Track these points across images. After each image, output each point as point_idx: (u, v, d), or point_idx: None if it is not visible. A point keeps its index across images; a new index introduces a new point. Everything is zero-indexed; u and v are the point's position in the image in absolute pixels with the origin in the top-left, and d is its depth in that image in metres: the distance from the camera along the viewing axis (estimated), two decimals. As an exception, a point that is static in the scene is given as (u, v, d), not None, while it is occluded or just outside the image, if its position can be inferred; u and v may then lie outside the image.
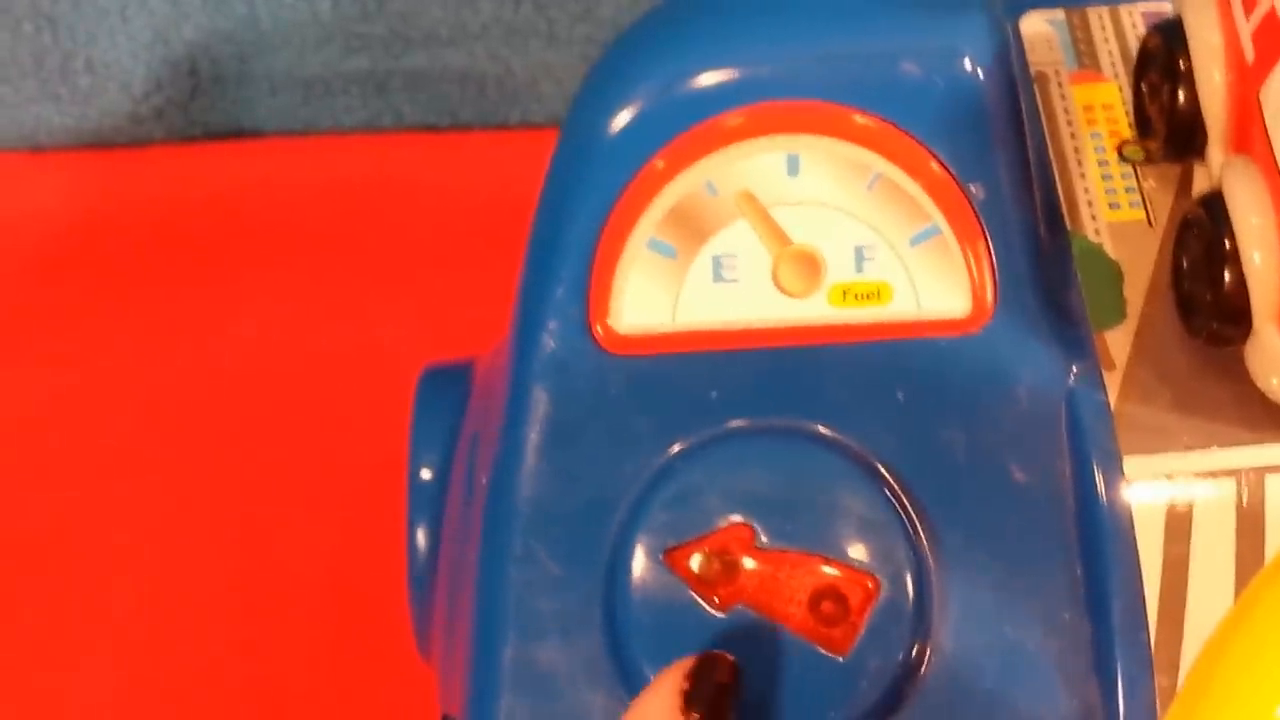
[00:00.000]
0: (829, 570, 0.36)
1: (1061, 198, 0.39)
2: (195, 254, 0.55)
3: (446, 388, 0.42)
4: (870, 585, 0.35)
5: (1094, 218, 0.39)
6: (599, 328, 0.38)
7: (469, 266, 0.53)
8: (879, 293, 0.37)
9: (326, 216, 0.55)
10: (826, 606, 0.35)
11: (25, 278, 0.55)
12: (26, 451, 0.52)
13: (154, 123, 0.58)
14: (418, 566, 0.41)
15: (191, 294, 0.54)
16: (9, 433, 0.52)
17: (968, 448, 0.37)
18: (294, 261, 0.54)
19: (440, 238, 0.55)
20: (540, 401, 0.38)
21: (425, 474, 0.41)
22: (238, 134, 0.58)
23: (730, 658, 0.34)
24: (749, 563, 0.36)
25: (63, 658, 0.49)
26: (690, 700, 0.33)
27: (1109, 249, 0.39)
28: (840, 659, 0.35)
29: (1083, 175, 0.39)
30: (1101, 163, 0.40)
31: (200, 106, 0.58)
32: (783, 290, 0.38)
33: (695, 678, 0.33)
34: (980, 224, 0.37)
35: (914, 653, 0.36)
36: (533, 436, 0.37)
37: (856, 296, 0.37)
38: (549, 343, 0.38)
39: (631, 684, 0.36)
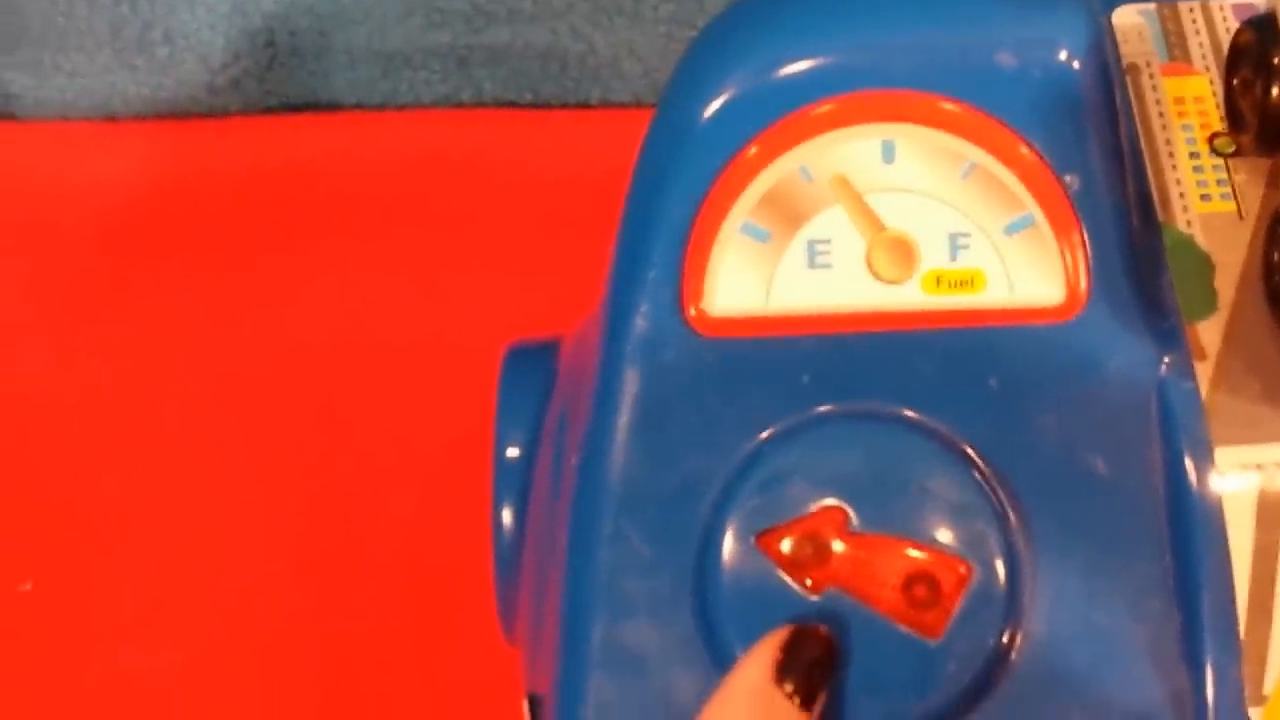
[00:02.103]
0: (922, 554, 0.37)
1: (1153, 189, 0.40)
2: (270, 227, 0.57)
3: (532, 366, 0.44)
4: (963, 570, 0.37)
5: (1185, 209, 0.41)
6: (691, 310, 0.39)
7: (546, 244, 0.55)
8: (973, 280, 0.39)
9: (403, 191, 0.57)
10: (919, 590, 0.37)
11: (99, 248, 0.56)
12: (97, 423, 0.54)
13: (230, 94, 0.59)
14: (504, 546, 0.43)
15: (266, 267, 0.56)
16: (80, 403, 0.54)
17: (1059, 435, 0.38)
18: (370, 236, 0.56)
19: (518, 215, 0.56)
20: (631, 383, 0.39)
21: (512, 453, 0.43)
22: (315, 106, 0.59)
23: (826, 632, 0.36)
24: (841, 546, 0.37)
25: (133, 630, 0.51)
26: (784, 670, 0.35)
27: (1200, 241, 0.40)
28: (932, 643, 0.37)
29: (1174, 167, 0.41)
30: (1193, 155, 0.41)
31: (277, 78, 0.59)
32: (877, 276, 0.39)
33: (789, 649, 0.35)
34: (1075, 213, 0.39)
35: (1005, 638, 0.37)
36: (624, 417, 0.39)
37: (950, 284, 0.39)
38: (641, 324, 0.39)
39: (722, 664, 0.37)
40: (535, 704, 0.40)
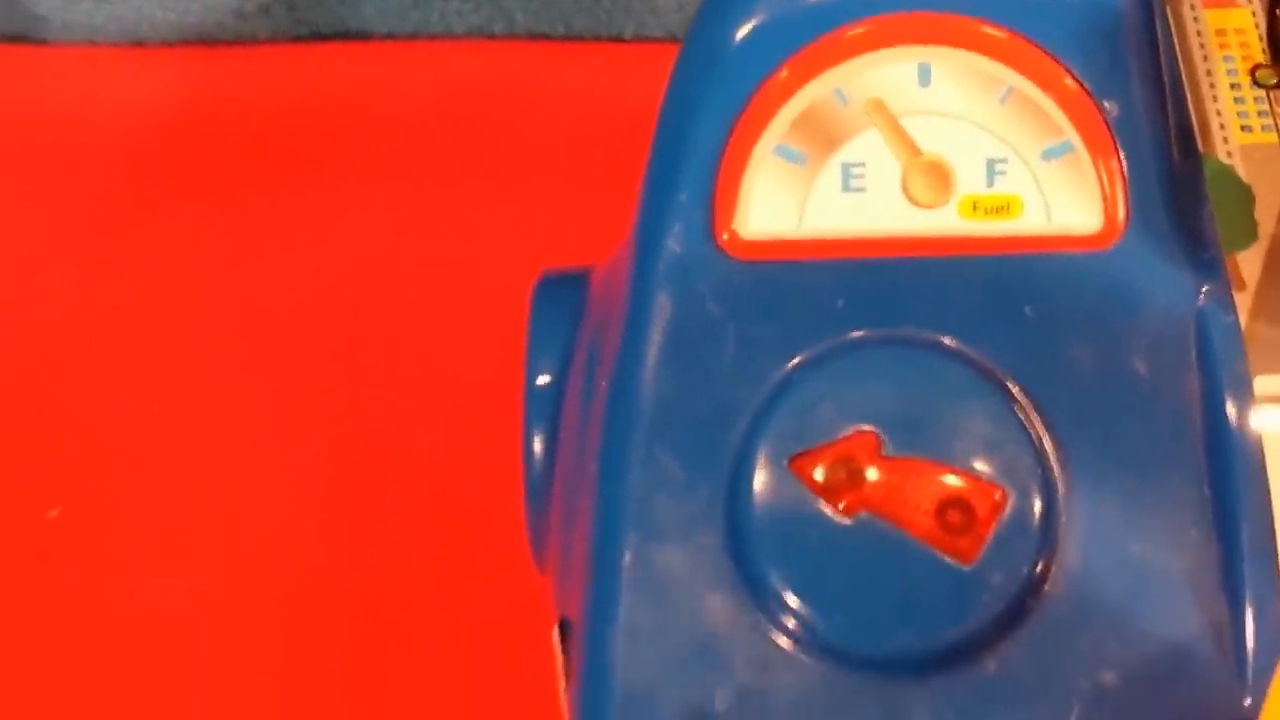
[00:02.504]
0: (956, 480, 0.37)
1: (1193, 120, 0.40)
2: (297, 156, 0.56)
3: (563, 295, 0.44)
4: (997, 496, 0.37)
5: (1225, 140, 0.41)
6: (724, 234, 0.39)
7: (577, 177, 0.55)
8: (1009, 206, 0.39)
9: (433, 122, 0.57)
10: (953, 516, 0.37)
11: (125, 173, 0.56)
12: (123, 349, 0.54)
13: (259, 21, 0.59)
14: (534, 473, 0.43)
15: (293, 196, 0.55)
16: (105, 330, 0.54)
17: (1096, 364, 0.38)
18: (398, 167, 0.56)
19: (549, 147, 0.56)
20: (663, 306, 0.39)
21: (542, 380, 0.43)
22: (344, 36, 0.59)
23: None
24: (874, 471, 0.38)
25: (159, 556, 0.51)
26: None
27: (1240, 171, 0.40)
28: (966, 568, 0.37)
29: (1214, 98, 0.41)
30: (1234, 85, 0.41)
31: (307, 6, 0.59)
32: (912, 201, 0.39)
33: None
34: (1114, 140, 0.39)
35: (1039, 566, 0.37)
36: (655, 340, 0.39)
37: (987, 210, 0.39)
38: (673, 248, 0.40)
39: (754, 588, 0.38)
40: (565, 628, 0.41)
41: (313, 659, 0.50)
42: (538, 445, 0.43)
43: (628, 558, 0.38)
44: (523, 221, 0.54)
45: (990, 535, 0.37)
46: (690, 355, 0.39)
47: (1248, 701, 0.37)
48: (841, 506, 0.37)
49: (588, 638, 0.39)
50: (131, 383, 0.53)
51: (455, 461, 0.51)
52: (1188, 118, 0.40)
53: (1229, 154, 0.40)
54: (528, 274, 0.44)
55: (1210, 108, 0.41)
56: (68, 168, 0.56)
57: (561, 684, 0.41)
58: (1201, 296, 0.38)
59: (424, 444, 0.52)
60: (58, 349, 0.53)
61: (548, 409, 0.43)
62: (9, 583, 0.51)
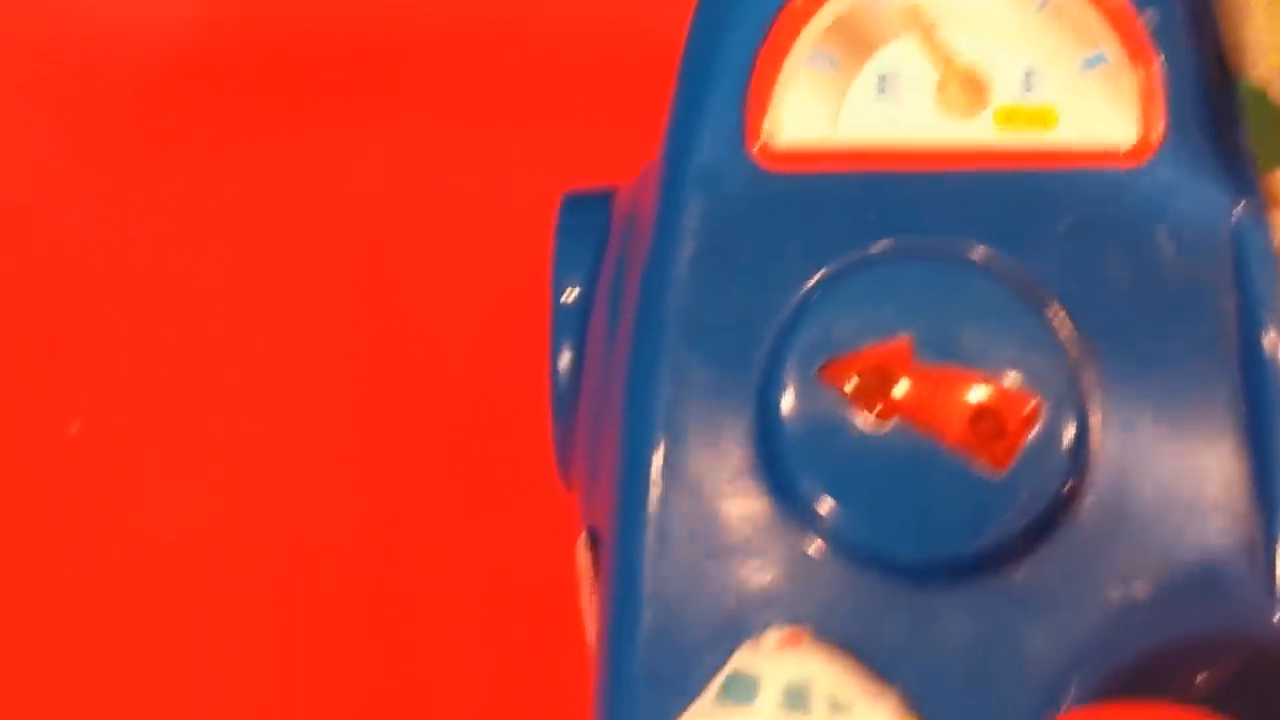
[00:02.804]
0: (989, 389, 0.37)
1: (1229, 40, 0.40)
2: (320, 77, 0.56)
3: (589, 212, 0.44)
4: (1031, 406, 0.37)
5: (1261, 62, 0.40)
6: (756, 144, 0.39)
7: (602, 97, 0.54)
8: (1045, 117, 0.39)
9: (455, 38, 0.56)
10: (987, 424, 0.37)
11: (145, 95, 0.56)
12: (145, 268, 0.54)
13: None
14: (561, 388, 0.43)
15: (316, 118, 0.55)
16: (128, 248, 0.54)
17: (1130, 279, 0.38)
18: (421, 89, 0.55)
19: (573, 65, 0.56)
20: (694, 215, 0.39)
21: (569, 296, 0.43)
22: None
23: None
24: (907, 378, 0.38)
25: (179, 473, 0.51)
26: None
27: (1275, 94, 0.40)
28: (998, 477, 0.37)
29: (1249, 19, 0.41)
30: (1271, 4, 0.41)
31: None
32: (947, 110, 0.39)
33: None
34: (1153, 53, 0.39)
35: (1071, 477, 0.37)
36: (686, 249, 0.39)
37: (1022, 120, 0.39)
38: (704, 158, 0.40)
39: (784, 494, 0.38)
40: (594, 538, 0.41)
41: (332, 575, 0.50)
42: (564, 360, 0.43)
43: (658, 465, 0.39)
44: (546, 144, 0.54)
45: (1023, 444, 0.37)
46: (721, 264, 0.39)
47: (1278, 618, 0.37)
48: (873, 413, 0.38)
49: (618, 545, 0.39)
50: (152, 302, 0.53)
51: (479, 383, 0.52)
52: (1224, 38, 0.40)
53: (1264, 76, 0.40)
54: (550, 196, 0.44)
55: (1245, 28, 0.41)
56: (87, 91, 0.56)
57: (585, 595, 0.41)
58: (1236, 213, 0.38)
59: (447, 364, 0.52)
60: (79, 268, 0.54)
61: (574, 325, 0.43)
62: (30, 496, 0.51)
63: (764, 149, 0.39)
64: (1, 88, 0.56)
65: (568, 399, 0.43)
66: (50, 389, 0.52)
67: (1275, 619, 0.37)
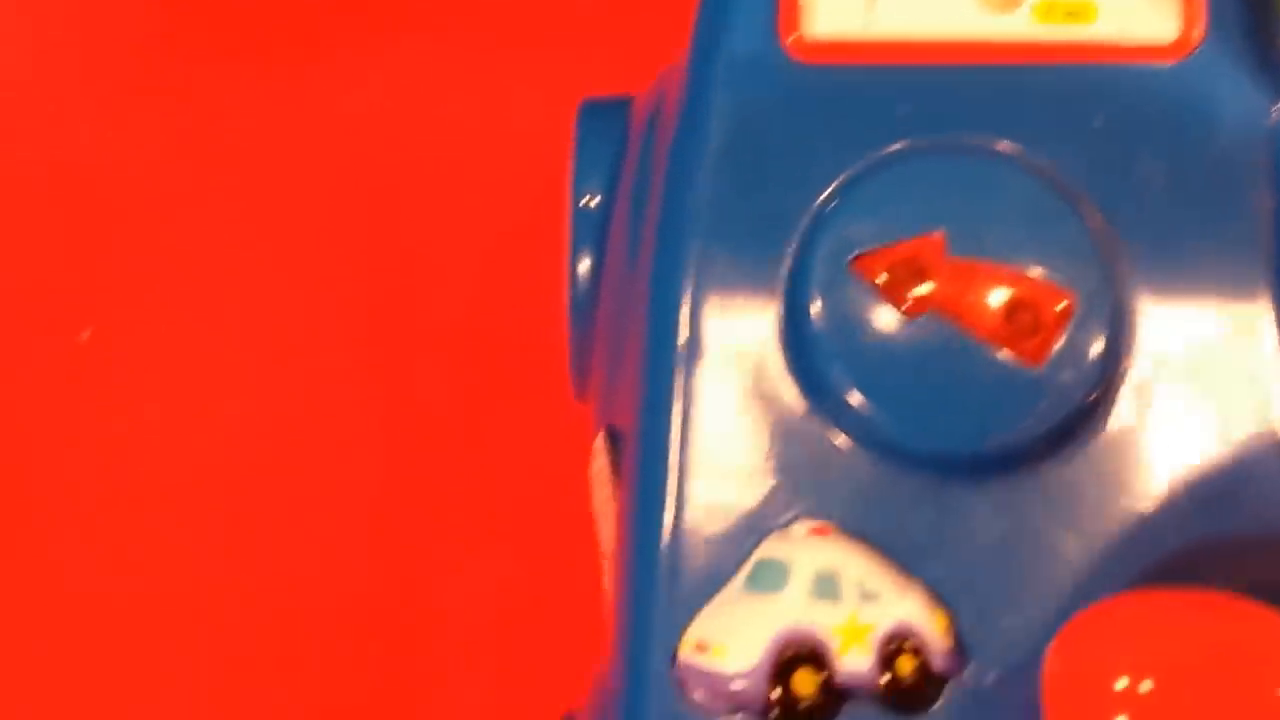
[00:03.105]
0: (1024, 283, 0.37)
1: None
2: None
3: (608, 118, 0.44)
4: (1066, 302, 0.37)
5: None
6: (788, 35, 0.39)
7: (614, 6, 0.54)
8: (1083, 11, 0.39)
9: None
10: (1021, 317, 0.37)
11: (148, 17, 0.55)
12: (152, 181, 0.53)
13: None
14: (579, 293, 0.43)
15: (329, 35, 0.54)
16: (133, 168, 0.53)
17: (1166, 177, 0.38)
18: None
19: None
20: (723, 108, 0.39)
21: (588, 201, 0.43)
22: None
23: None
24: (940, 272, 0.37)
25: (189, 380, 0.51)
26: None
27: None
28: (1033, 371, 0.37)
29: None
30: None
31: None
32: (984, 2, 0.39)
33: None
34: (1193, -50, 0.39)
35: (1105, 374, 0.37)
36: (714, 142, 0.39)
37: (1060, 14, 0.39)
38: (734, 50, 0.39)
39: (813, 387, 0.37)
40: (614, 436, 0.40)
41: (344, 485, 0.50)
42: (583, 266, 0.43)
43: (684, 359, 0.38)
44: (559, 54, 0.53)
45: (1058, 340, 0.37)
46: (750, 158, 0.39)
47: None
48: (905, 306, 0.37)
49: (642, 441, 0.38)
50: (163, 214, 0.53)
51: (491, 297, 0.51)
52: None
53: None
54: (566, 107, 0.44)
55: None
56: (99, 7, 0.55)
57: (600, 500, 0.41)
58: (1275, 112, 0.38)
59: (459, 280, 0.51)
60: (92, 178, 0.53)
61: (593, 230, 0.43)
62: (39, 402, 0.51)
63: (797, 40, 0.39)
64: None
65: (586, 305, 0.43)
66: (62, 294, 0.52)
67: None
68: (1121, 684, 0.32)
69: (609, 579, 0.40)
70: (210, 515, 0.49)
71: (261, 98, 0.54)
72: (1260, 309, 0.38)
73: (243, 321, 0.51)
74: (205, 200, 0.52)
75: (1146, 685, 0.32)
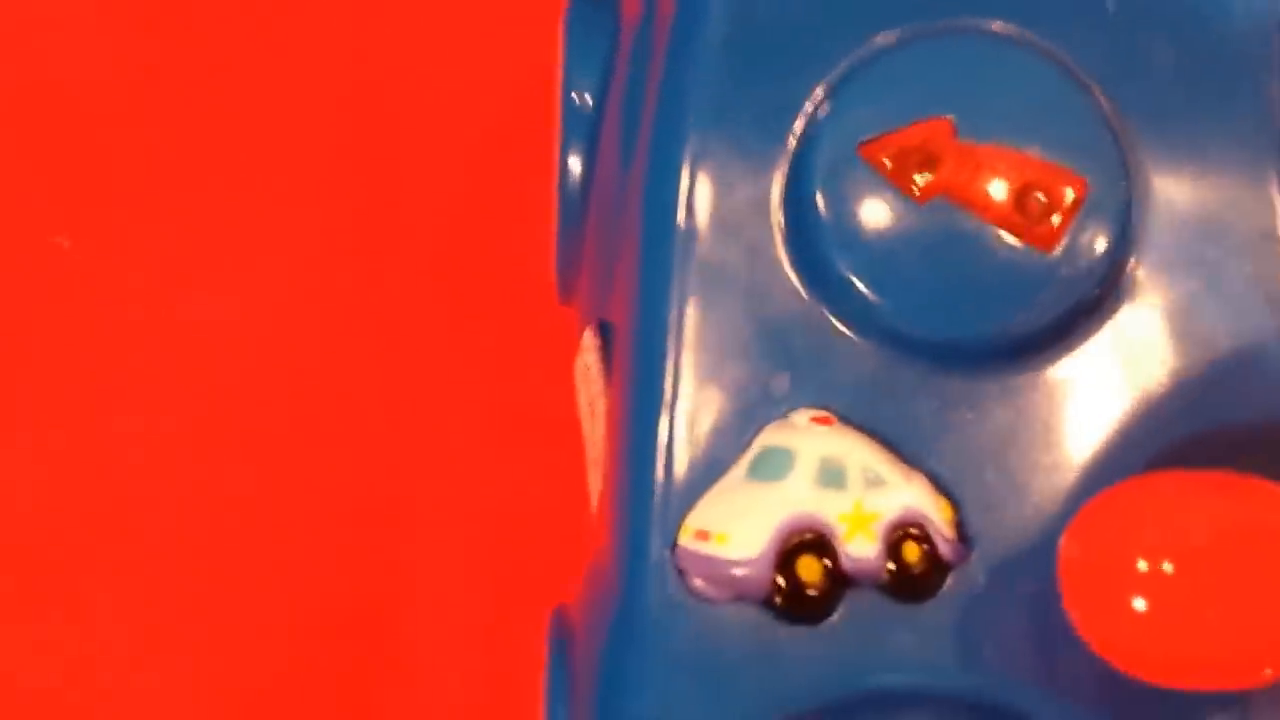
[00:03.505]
0: (1036, 168, 0.37)
1: None
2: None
3: (597, 12, 0.43)
4: (1077, 186, 0.36)
5: None
6: (793, -82, 0.38)
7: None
8: (1100, -106, 0.38)
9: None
10: (1032, 202, 0.36)
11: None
12: (131, 89, 0.52)
13: None
14: (570, 192, 0.42)
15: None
16: (115, 70, 0.52)
17: (1177, 64, 0.38)
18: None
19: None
20: None
21: (580, 97, 0.42)
22: None
23: None
24: (950, 156, 0.37)
25: (167, 290, 0.50)
26: None
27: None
28: (1046, 255, 0.36)
29: None
30: None
31: None
32: (999, -117, 0.38)
33: None
34: None
35: (1117, 261, 0.37)
36: (713, 26, 0.38)
37: (1076, -103, 0.38)
38: None
39: (817, 276, 0.37)
40: (605, 330, 0.40)
41: (331, 390, 0.49)
42: (575, 163, 0.42)
43: (681, 249, 0.37)
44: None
45: (1071, 225, 0.36)
46: (751, 44, 0.38)
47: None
48: (913, 191, 0.37)
49: (637, 331, 0.38)
50: (142, 123, 0.52)
51: (475, 197, 0.51)
52: None
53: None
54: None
55: None
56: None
57: (590, 391, 0.40)
58: (1290, 1, 0.38)
59: (445, 177, 0.51)
60: (71, 84, 0.52)
61: (584, 128, 0.42)
62: (18, 308, 0.50)
63: (801, -77, 0.38)
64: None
65: (575, 200, 0.42)
66: (41, 199, 0.51)
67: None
68: (1141, 565, 0.32)
69: (599, 476, 0.39)
70: (188, 416, 0.49)
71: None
72: (1270, 199, 0.37)
73: (225, 225, 0.51)
74: (185, 110, 0.52)
75: (1167, 565, 0.31)
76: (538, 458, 0.48)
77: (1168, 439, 0.36)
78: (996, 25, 0.38)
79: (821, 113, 0.37)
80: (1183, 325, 0.37)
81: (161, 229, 0.50)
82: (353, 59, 0.52)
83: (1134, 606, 0.31)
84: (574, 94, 0.42)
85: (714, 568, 0.35)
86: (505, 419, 0.49)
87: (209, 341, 0.50)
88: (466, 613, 0.47)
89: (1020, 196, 0.36)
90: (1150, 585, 0.31)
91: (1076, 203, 0.36)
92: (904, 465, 0.36)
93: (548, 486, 0.47)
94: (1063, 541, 0.33)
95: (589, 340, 0.40)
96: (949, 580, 0.36)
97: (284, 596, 0.48)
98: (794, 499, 0.35)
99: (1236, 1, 0.38)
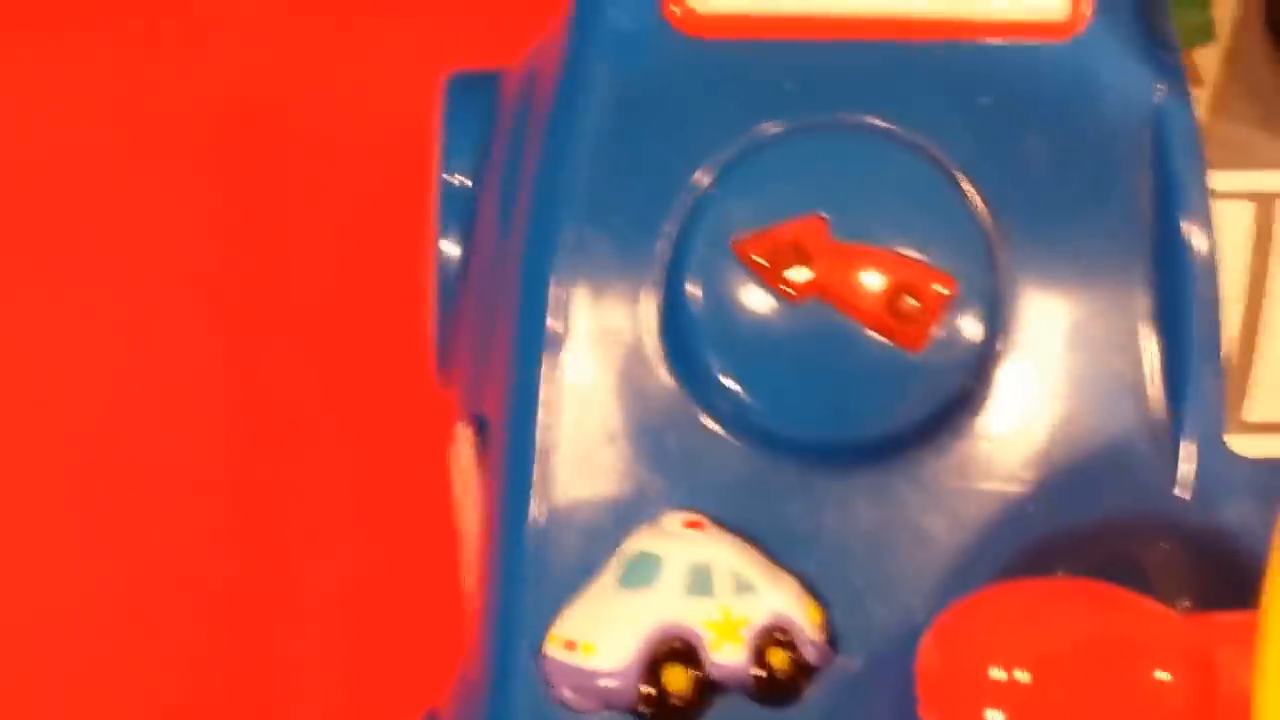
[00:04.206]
0: (905, 267, 0.37)
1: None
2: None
3: (477, 93, 0.43)
4: (946, 285, 0.37)
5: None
6: (673, 7, 0.39)
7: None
8: (974, -12, 0.39)
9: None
10: (902, 302, 0.37)
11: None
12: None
13: None
14: (447, 274, 0.42)
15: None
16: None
17: (1050, 158, 0.38)
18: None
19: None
20: (601, 82, 0.38)
21: (455, 179, 0.42)
22: None
23: None
24: (822, 255, 0.37)
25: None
26: None
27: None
28: (913, 355, 0.37)
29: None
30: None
31: None
32: (873, -22, 0.39)
33: None
34: (1080, -72, 0.39)
35: (986, 356, 0.37)
36: (591, 117, 0.38)
37: (950, -11, 0.39)
38: (615, 21, 0.39)
39: (689, 374, 0.37)
40: (481, 424, 0.40)
41: (200, 470, 0.49)
42: (450, 246, 0.43)
43: (554, 345, 0.38)
44: (426, 25, 0.53)
45: (938, 323, 0.37)
46: (629, 135, 0.38)
47: (1182, 497, 0.37)
48: (786, 289, 0.37)
49: (509, 428, 0.38)
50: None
51: (354, 277, 0.51)
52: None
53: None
54: (431, 80, 0.43)
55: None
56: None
57: (463, 484, 0.41)
58: (1159, 92, 0.39)
59: (323, 255, 0.51)
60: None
61: (462, 207, 0.42)
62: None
63: (684, 13, 0.39)
64: None
65: (452, 285, 0.43)
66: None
67: (1178, 500, 0.37)
68: (997, 674, 0.32)
69: (472, 571, 0.39)
70: (65, 499, 0.49)
71: (124, 58, 0.53)
72: (1137, 295, 0.38)
73: (97, 305, 0.51)
74: (63, 176, 0.52)
75: (1022, 675, 0.32)
76: (413, 546, 0.48)
77: (1033, 535, 0.37)
78: (871, 120, 0.38)
79: (697, 208, 0.38)
80: (1047, 421, 0.38)
81: (34, 306, 0.51)
82: (233, 134, 0.52)
83: (988, 717, 0.32)
84: (451, 176, 0.43)
85: (581, 678, 0.35)
86: (382, 506, 0.49)
87: (80, 420, 0.50)
88: (338, 707, 0.48)
89: (890, 296, 0.37)
90: (1004, 696, 0.32)
91: (944, 301, 0.37)
92: (773, 568, 0.36)
93: (423, 578, 0.47)
94: (920, 649, 0.33)
95: (463, 432, 0.41)
96: (815, 683, 0.36)
97: (151, 684, 0.48)
98: (661, 607, 0.35)
99: (1108, 97, 0.39)
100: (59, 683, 0.49)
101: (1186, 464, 0.37)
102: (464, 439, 0.40)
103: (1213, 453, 0.37)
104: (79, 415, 0.50)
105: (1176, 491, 0.37)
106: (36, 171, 0.52)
